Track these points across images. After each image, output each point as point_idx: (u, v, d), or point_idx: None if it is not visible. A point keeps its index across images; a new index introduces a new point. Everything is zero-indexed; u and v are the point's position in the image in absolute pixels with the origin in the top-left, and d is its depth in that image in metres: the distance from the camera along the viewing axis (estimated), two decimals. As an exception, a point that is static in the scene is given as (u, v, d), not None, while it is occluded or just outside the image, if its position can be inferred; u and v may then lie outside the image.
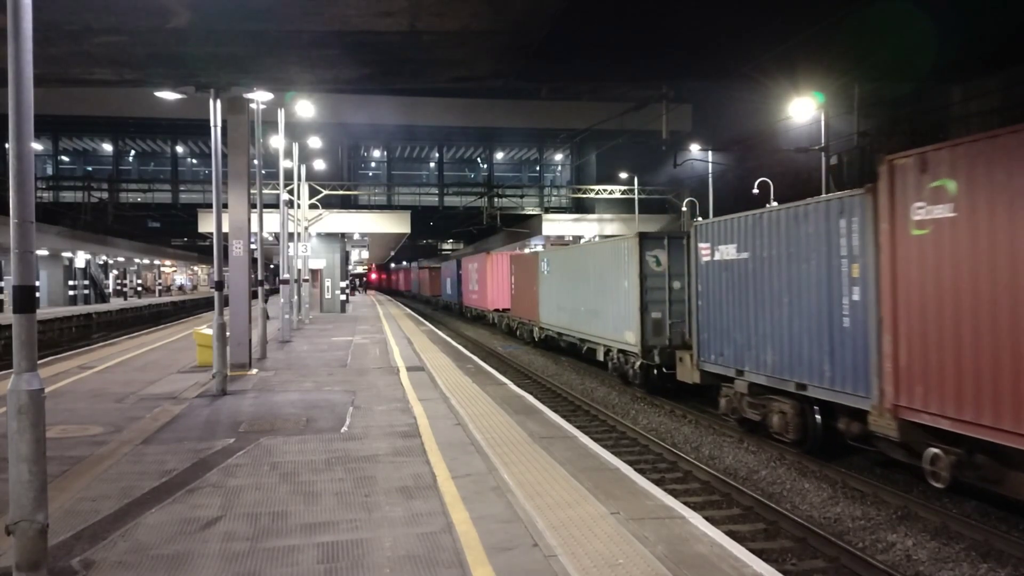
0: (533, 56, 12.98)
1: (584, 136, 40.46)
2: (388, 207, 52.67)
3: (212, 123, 13.88)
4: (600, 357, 20.93)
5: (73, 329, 37.80)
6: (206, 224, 42.07)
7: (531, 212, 53.58)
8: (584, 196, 52.84)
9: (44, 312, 37.62)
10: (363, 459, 8.72)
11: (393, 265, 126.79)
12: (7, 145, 5.13)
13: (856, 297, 10.21)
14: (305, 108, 22.53)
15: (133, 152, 58.09)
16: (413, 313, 44.30)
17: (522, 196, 55.45)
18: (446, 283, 56.89)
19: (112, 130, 53.02)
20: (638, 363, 17.88)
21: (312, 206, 37.41)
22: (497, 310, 36.95)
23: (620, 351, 19.11)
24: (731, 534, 7.50)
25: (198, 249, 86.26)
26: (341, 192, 44.72)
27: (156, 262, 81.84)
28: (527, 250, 45.04)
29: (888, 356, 9.41)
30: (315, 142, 32.95)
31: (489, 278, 37.56)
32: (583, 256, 23.19)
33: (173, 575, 5.44)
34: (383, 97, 46.10)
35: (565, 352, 26.28)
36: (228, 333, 14.81)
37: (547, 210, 54.16)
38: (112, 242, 56.29)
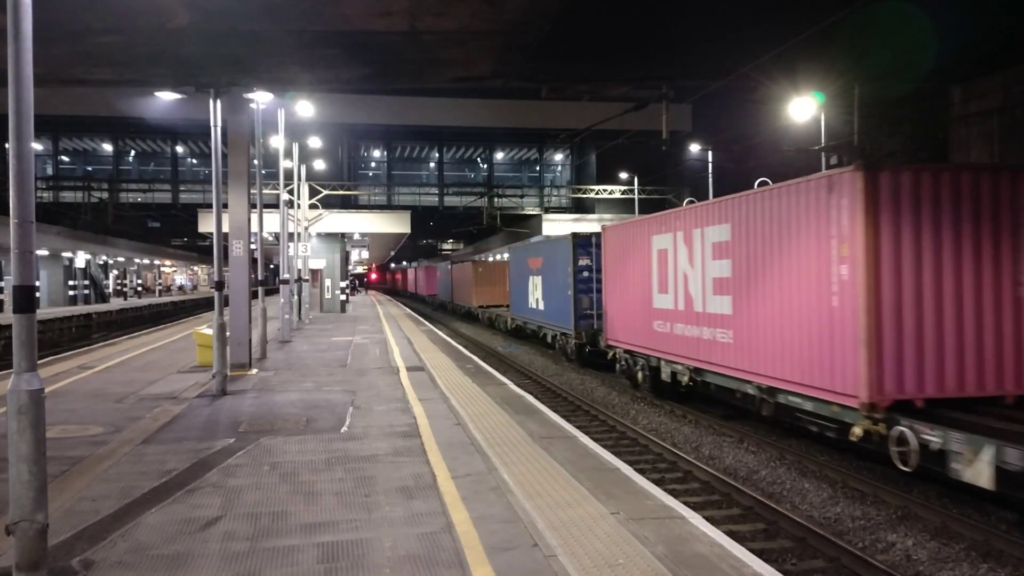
0: (533, 56, 12.97)
1: (584, 136, 40.40)
2: (388, 207, 52.72)
3: (212, 123, 13.88)
4: None
5: (73, 329, 37.77)
6: (206, 224, 42.07)
7: (531, 212, 53.60)
8: (584, 196, 52.86)
9: (44, 312, 37.61)
10: (363, 459, 8.72)
11: (394, 265, 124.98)
12: (7, 145, 5.13)
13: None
14: (305, 108, 22.51)
15: (133, 152, 58.12)
16: (413, 313, 44.29)
17: (522, 196, 55.49)
18: (525, 286, 29.46)
19: (112, 130, 53.04)
20: None
21: (312, 206, 37.42)
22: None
23: None
24: (731, 534, 7.49)
25: (198, 249, 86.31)
26: (341, 192, 44.72)
27: (156, 262, 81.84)
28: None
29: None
30: (315, 142, 32.93)
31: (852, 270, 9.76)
32: None
33: (173, 575, 5.44)
34: (383, 97, 46.11)
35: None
36: (228, 333, 14.82)
37: (547, 210, 54.18)
38: (112, 242, 56.29)
